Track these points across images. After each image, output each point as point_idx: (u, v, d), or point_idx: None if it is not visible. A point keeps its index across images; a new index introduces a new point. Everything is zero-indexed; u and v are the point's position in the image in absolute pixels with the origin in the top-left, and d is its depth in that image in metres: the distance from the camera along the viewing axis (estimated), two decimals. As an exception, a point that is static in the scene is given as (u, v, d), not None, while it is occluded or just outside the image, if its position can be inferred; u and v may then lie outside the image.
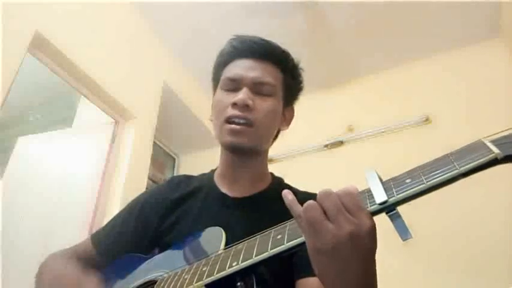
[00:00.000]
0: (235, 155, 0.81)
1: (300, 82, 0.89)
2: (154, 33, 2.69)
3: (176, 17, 2.60)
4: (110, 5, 2.32)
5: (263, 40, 0.84)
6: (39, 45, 1.83)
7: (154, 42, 2.73)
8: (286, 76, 0.84)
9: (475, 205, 2.08)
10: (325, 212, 0.46)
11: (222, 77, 0.82)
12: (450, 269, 2.01)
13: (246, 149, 0.77)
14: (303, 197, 0.84)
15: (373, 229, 0.46)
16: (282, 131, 0.89)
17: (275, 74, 0.82)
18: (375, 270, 0.49)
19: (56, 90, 2.81)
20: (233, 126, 0.75)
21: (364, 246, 0.45)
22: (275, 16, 2.53)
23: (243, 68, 0.80)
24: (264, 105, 0.78)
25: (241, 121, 0.75)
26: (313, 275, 0.57)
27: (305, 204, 0.48)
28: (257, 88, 0.78)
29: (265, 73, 0.80)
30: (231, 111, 0.76)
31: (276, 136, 0.88)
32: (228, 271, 0.55)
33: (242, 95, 0.76)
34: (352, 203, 0.46)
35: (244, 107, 0.75)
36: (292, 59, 0.86)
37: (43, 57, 1.91)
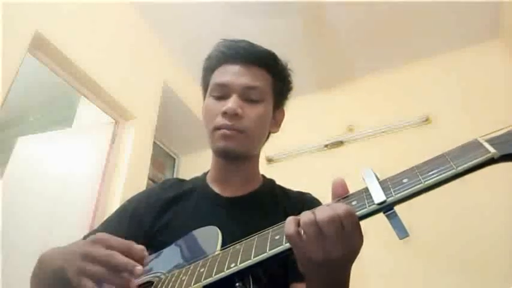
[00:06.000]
0: (226, 160, 0.82)
1: (289, 83, 0.89)
2: (154, 33, 2.69)
3: (176, 17, 2.59)
4: (110, 5, 2.32)
5: (250, 44, 0.84)
6: (39, 45, 1.83)
7: (154, 42, 2.72)
8: (275, 79, 0.84)
9: (476, 204, 2.08)
10: (322, 230, 0.47)
11: (211, 83, 0.82)
12: (450, 268, 2.01)
13: (237, 153, 0.78)
14: (295, 196, 0.85)
15: (360, 246, 0.49)
16: (273, 133, 0.89)
17: (264, 78, 0.81)
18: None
19: (56, 90, 2.81)
20: (224, 131, 0.76)
21: (353, 259, 0.50)
22: (275, 17, 2.53)
23: (231, 73, 0.80)
24: (254, 112, 0.78)
25: (232, 128, 0.76)
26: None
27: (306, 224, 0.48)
28: (246, 94, 0.78)
29: (254, 78, 0.79)
30: (221, 120, 0.76)
31: (267, 138, 0.89)
32: (226, 272, 0.54)
33: (231, 103, 0.76)
34: (352, 224, 0.47)
35: (234, 115, 0.75)
36: (280, 61, 0.86)
37: (43, 57, 1.91)
